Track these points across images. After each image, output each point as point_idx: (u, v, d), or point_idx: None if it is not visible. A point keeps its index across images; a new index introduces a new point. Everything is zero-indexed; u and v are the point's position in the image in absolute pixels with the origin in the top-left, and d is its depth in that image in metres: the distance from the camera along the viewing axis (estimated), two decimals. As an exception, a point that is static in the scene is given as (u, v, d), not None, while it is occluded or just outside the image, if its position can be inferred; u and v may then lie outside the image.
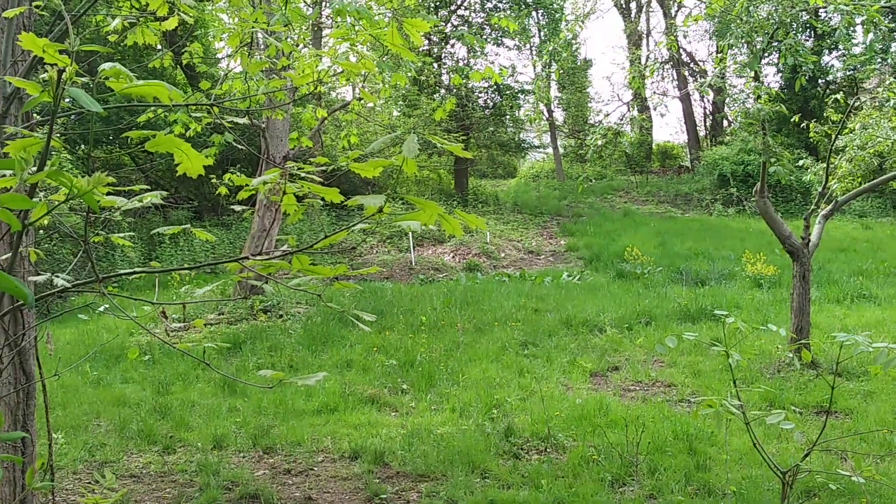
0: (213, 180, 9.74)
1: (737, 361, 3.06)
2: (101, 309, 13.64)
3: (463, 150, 2.34)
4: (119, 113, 15.67)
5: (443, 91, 29.39)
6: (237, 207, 3.39)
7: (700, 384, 10.46)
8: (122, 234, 2.75)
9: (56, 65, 1.63)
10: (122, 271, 2.28)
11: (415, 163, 1.95)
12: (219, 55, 22.91)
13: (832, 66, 34.63)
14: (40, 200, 1.86)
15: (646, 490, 7.25)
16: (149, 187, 2.71)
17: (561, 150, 39.72)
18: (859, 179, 12.95)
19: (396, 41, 3.06)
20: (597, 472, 7.57)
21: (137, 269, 2.29)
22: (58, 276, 2.37)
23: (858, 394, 10.04)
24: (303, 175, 2.47)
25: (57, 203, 1.66)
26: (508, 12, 30.01)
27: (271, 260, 2.23)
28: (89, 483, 7.24)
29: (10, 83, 3.26)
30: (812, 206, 12.28)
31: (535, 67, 34.95)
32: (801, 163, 15.48)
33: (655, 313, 14.18)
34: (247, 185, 2.41)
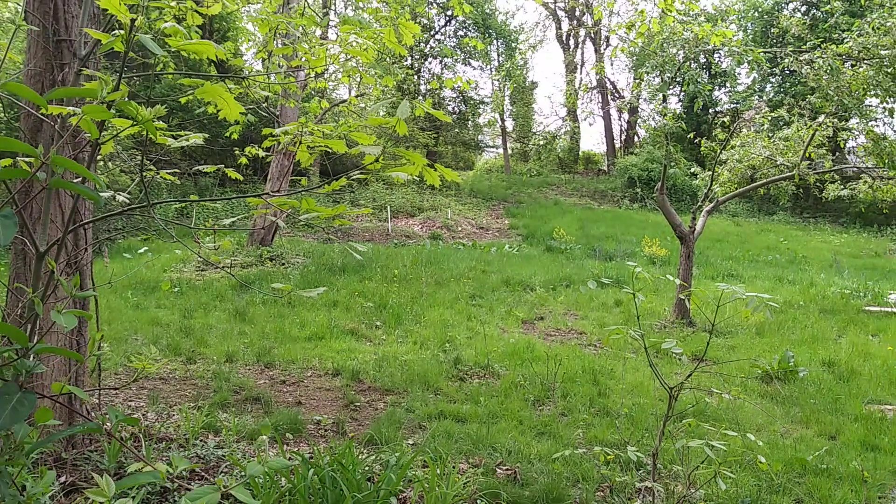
0: (235, 152, 9.59)
1: (640, 301, 3.08)
2: (143, 250, 13.42)
3: (421, 158, 2.32)
4: (165, 92, 15.36)
5: (421, 97, 29.23)
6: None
7: (604, 333, 10.56)
8: (168, 171, 2.70)
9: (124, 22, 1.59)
10: (169, 199, 2.24)
11: (405, 125, 1.94)
12: (245, 56, 22.53)
13: (721, 99, 34.93)
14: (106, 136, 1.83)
15: (559, 409, 7.33)
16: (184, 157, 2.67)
17: (509, 151, 39.70)
18: (735, 185, 13.09)
19: (391, 39, 3.05)
20: (523, 394, 7.64)
21: (181, 199, 2.26)
22: (120, 195, 2.32)
23: (724, 347, 10.22)
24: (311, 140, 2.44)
25: (122, 129, 1.63)
26: (476, 35, 29.88)
27: (286, 197, 2.21)
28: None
29: (89, 35, 3.19)
30: (699, 204, 12.41)
31: (493, 83, 34.84)
32: (693, 170, 15.61)
33: (574, 279, 14.29)
34: (272, 134, 2.38)
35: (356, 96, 12.13)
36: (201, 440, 5.56)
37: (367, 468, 4.77)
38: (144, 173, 2.00)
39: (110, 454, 4.60)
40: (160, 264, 13.97)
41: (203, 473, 4.70)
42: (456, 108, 32.04)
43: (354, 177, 2.11)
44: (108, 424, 4.04)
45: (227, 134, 8.60)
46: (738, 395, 8.01)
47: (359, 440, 5.83)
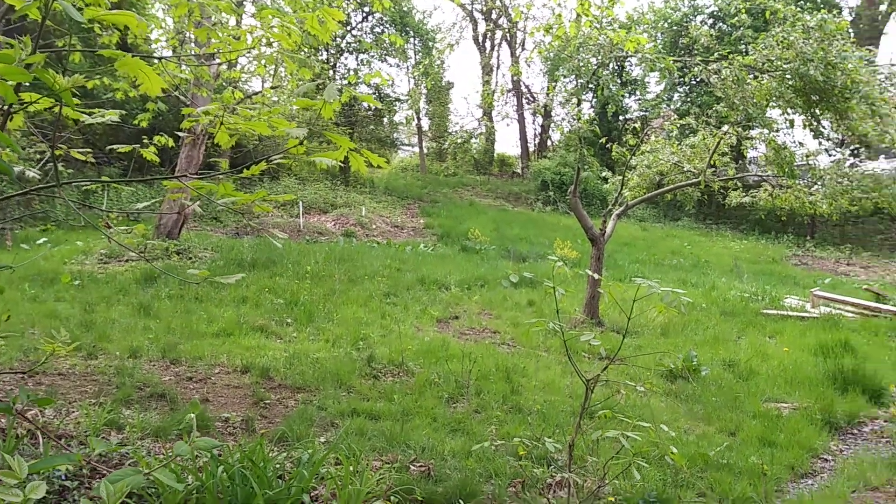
0: (144, 141, 9.24)
1: (561, 294, 3.13)
2: (41, 241, 12.80)
3: (348, 142, 2.30)
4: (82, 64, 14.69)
5: (337, 92, 28.91)
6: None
7: (518, 332, 10.72)
8: (80, 150, 2.58)
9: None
10: (80, 179, 2.15)
11: (331, 108, 1.91)
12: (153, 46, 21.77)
13: (631, 106, 35.98)
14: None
15: (473, 406, 7.39)
16: (85, 144, 2.56)
17: (425, 150, 39.78)
18: (644, 190, 13.50)
19: (314, 25, 2.99)
20: (437, 392, 7.66)
21: (93, 179, 2.16)
22: (30, 170, 2.20)
23: (631, 346, 10.52)
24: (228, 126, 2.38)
25: (37, 98, 1.54)
26: (394, 30, 29.83)
27: (203, 181, 2.14)
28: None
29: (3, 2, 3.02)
30: (609, 207, 12.75)
31: (410, 80, 34.84)
32: (604, 175, 16.02)
33: (489, 279, 14.44)
34: (190, 114, 2.31)
35: (271, 87, 11.91)
36: (103, 437, 5.35)
37: (278, 465, 4.69)
38: (56, 151, 1.91)
39: (6, 449, 4.37)
40: (60, 256, 13.36)
41: (105, 471, 4.52)
42: (371, 105, 31.93)
43: (276, 160, 2.06)
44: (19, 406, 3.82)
45: (136, 122, 8.30)
46: (648, 389, 8.25)
47: (269, 438, 5.73)
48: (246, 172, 2.10)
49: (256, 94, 14.32)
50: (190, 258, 14.30)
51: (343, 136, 1.86)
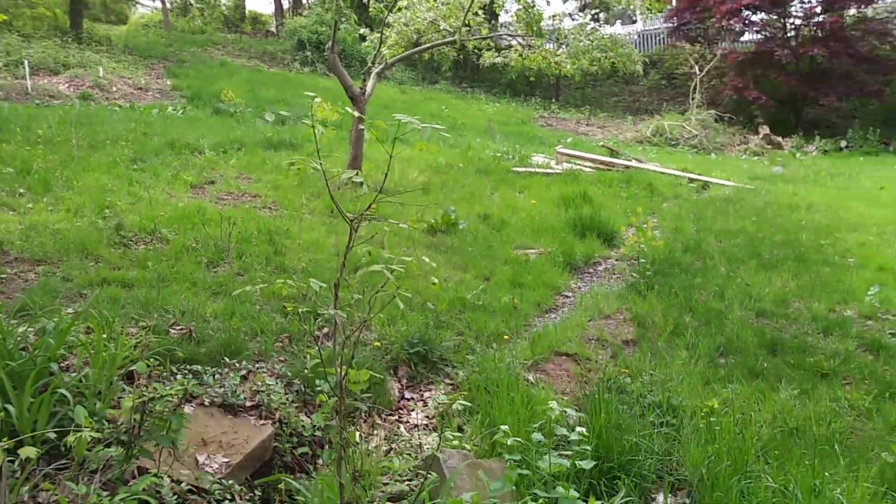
0: None
1: (321, 170, 3.04)
2: None
3: None
4: None
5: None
6: None
7: (279, 195, 10.53)
8: None
9: None
10: None
11: None
12: None
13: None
14: None
15: (235, 269, 7.23)
16: None
17: (168, 5, 36.49)
18: (402, 49, 13.46)
19: None
20: (195, 257, 7.38)
21: None
22: None
23: (393, 205, 10.74)
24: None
25: None
26: None
27: None
28: None
29: None
30: (369, 66, 12.61)
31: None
32: (361, 31, 15.69)
33: (245, 142, 13.88)
34: None
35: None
36: None
37: (19, 338, 4.31)
38: None
39: None
40: None
41: None
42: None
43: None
44: None
45: None
46: (411, 226, 8.45)
47: (8, 312, 5.23)
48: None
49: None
50: None
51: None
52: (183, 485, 3.76)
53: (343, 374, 2.92)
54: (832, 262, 9.26)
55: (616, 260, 9.50)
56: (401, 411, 5.43)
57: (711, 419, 4.78)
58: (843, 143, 23.28)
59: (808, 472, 4.27)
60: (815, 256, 9.44)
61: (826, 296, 7.96)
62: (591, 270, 9.18)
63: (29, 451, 3.30)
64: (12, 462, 3.42)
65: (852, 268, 9.04)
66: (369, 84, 12.10)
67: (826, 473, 4.30)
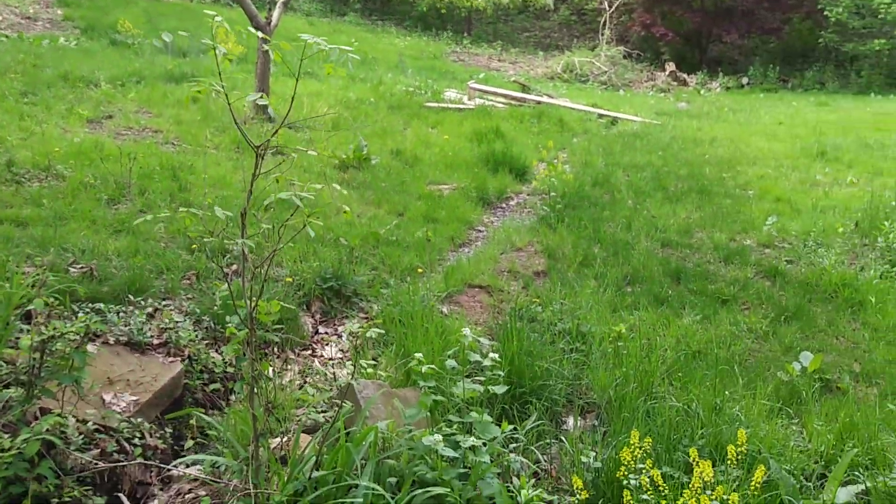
0: None
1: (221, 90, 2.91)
2: None
3: None
4: None
5: None
6: None
7: (182, 130, 10.11)
8: None
9: None
10: None
11: None
12: None
13: None
14: None
15: (137, 206, 6.95)
16: None
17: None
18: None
19: None
20: (94, 194, 7.05)
21: None
22: None
23: (303, 140, 10.54)
24: None
25: None
26: None
27: None
28: None
29: None
30: (275, -4, 12.13)
31: None
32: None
33: (145, 74, 13.22)
34: None
35: None
36: None
37: None
38: None
39: None
40: None
41: None
42: None
43: None
44: None
45: None
46: (318, 182, 8.35)
47: None
48: None
49: None
50: None
51: None
52: (89, 424, 3.66)
53: (253, 305, 2.86)
54: (733, 194, 9.61)
55: (528, 194, 9.60)
56: (315, 346, 5.41)
57: (619, 344, 4.95)
58: (745, 80, 23.99)
59: (709, 391, 4.49)
60: (718, 189, 9.77)
61: (727, 226, 8.28)
62: (504, 205, 9.26)
63: (-83, 395, 3.14)
64: None
65: (752, 199, 9.41)
66: (275, 14, 11.66)
67: (726, 392, 4.54)
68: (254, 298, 2.89)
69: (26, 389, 3.49)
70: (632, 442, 3.33)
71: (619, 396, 4.41)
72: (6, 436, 3.27)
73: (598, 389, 4.60)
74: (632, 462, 3.34)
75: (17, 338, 3.92)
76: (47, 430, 3.33)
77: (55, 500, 3.34)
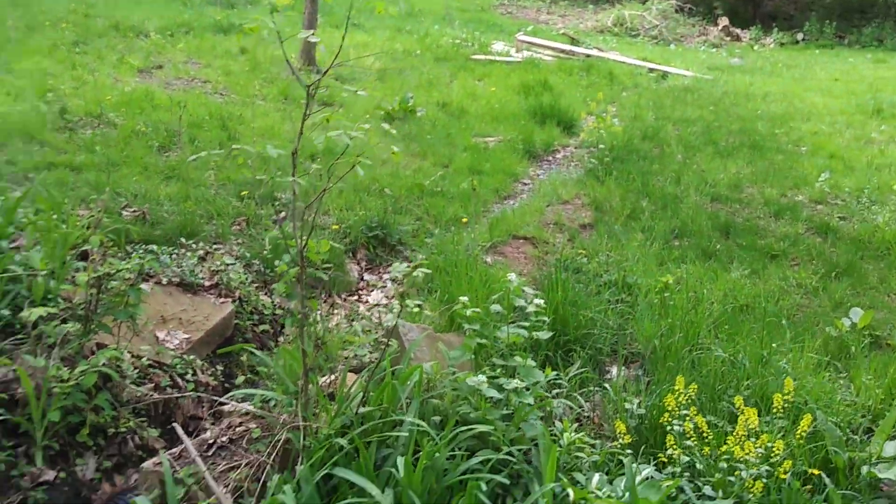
0: None
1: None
2: None
3: None
4: None
5: None
6: None
7: (230, 81, 10.19)
8: None
9: None
10: None
11: None
12: None
13: None
14: None
15: (187, 154, 7.05)
16: None
17: None
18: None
19: None
20: (145, 142, 7.19)
21: None
22: None
23: (350, 91, 10.51)
24: None
25: None
26: None
27: None
28: None
29: None
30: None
31: None
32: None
33: (194, 25, 13.31)
34: None
35: None
36: None
37: (-37, 218, 4.19)
38: None
39: None
40: None
41: None
42: None
43: None
44: None
45: None
46: (365, 132, 8.37)
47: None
48: None
49: None
50: None
51: None
52: (144, 360, 3.78)
53: (304, 243, 2.91)
54: (785, 149, 9.38)
55: (575, 148, 9.50)
56: (360, 292, 5.48)
57: (665, 295, 4.91)
58: (800, 36, 23.22)
59: (756, 344, 4.45)
60: (770, 144, 9.54)
61: (778, 182, 8.10)
62: (550, 158, 9.17)
63: (-18, 326, 3.27)
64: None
65: (804, 155, 9.18)
66: (323, -36, 11.60)
67: (773, 345, 4.48)
68: (303, 237, 2.93)
69: (83, 324, 3.61)
70: (676, 388, 3.32)
71: (665, 347, 4.39)
72: (65, 368, 3.40)
73: (643, 340, 4.59)
74: (676, 409, 3.34)
75: (74, 277, 4.05)
76: (104, 363, 3.45)
77: (111, 430, 3.48)
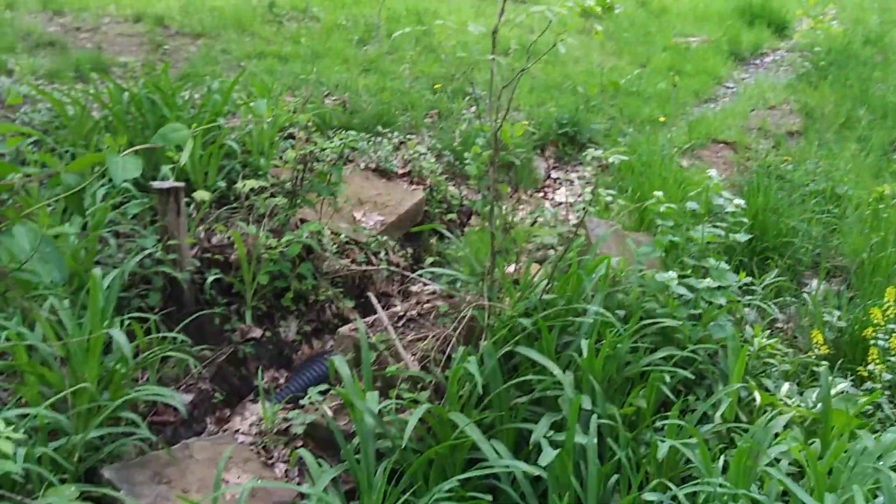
0: None
1: None
2: None
3: None
4: None
5: None
6: None
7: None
8: None
9: None
10: None
11: None
12: None
13: None
14: None
15: (385, 48, 7.21)
16: None
17: None
18: None
19: None
20: (346, 35, 7.40)
21: None
22: None
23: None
24: None
25: None
26: None
27: None
28: None
29: None
30: None
31: None
32: None
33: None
34: None
35: None
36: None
37: (185, 97, 4.55)
38: None
39: None
40: None
41: None
42: None
43: None
44: None
45: None
46: (559, 32, 8.15)
47: (173, 79, 5.50)
48: None
49: None
50: None
51: None
52: (342, 236, 4.00)
53: (498, 125, 2.91)
54: None
55: (786, 51, 8.75)
56: (546, 190, 5.45)
57: (880, 206, 4.51)
58: None
59: None
60: None
61: None
62: (758, 61, 8.53)
63: (202, 195, 3.58)
64: (188, 205, 3.72)
65: None
66: None
67: None
68: (498, 120, 2.93)
69: (290, 199, 3.86)
70: (886, 299, 3.08)
71: (874, 261, 4.06)
72: (273, 238, 3.67)
73: (850, 253, 4.27)
74: (882, 322, 3.11)
75: (282, 155, 4.31)
76: (307, 235, 3.68)
77: (311, 298, 3.75)
